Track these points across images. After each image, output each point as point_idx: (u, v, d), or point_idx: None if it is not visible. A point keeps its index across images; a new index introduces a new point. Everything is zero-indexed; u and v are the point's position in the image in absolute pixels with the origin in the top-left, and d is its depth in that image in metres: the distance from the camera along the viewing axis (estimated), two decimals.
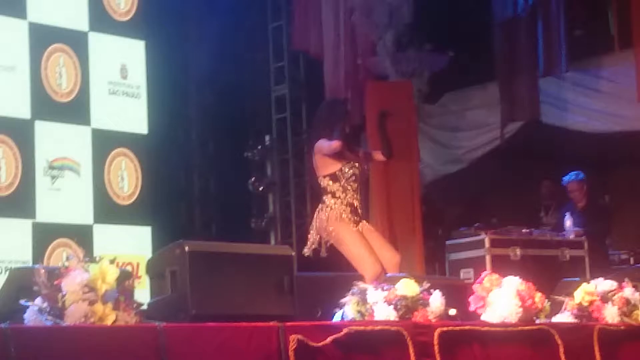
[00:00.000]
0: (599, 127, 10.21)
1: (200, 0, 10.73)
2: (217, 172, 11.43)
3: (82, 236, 8.22)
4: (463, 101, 11.32)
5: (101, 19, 8.87)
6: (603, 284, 5.51)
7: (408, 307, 4.61)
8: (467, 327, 4.66)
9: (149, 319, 3.88)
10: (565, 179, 9.59)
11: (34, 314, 3.62)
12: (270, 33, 11.81)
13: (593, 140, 10.29)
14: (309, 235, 6.97)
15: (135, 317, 3.74)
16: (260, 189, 11.63)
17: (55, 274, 3.70)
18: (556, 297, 5.47)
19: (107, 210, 8.57)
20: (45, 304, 3.62)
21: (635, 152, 9.75)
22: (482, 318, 4.95)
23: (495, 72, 10.56)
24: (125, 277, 3.79)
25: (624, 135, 9.90)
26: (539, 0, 10.06)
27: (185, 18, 10.69)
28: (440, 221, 10.78)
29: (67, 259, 3.80)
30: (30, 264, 7.83)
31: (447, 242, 8.75)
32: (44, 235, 8.21)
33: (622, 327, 5.32)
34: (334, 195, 6.69)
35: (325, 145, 6.65)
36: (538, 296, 5.09)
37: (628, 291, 5.52)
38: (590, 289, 5.46)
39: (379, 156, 7.03)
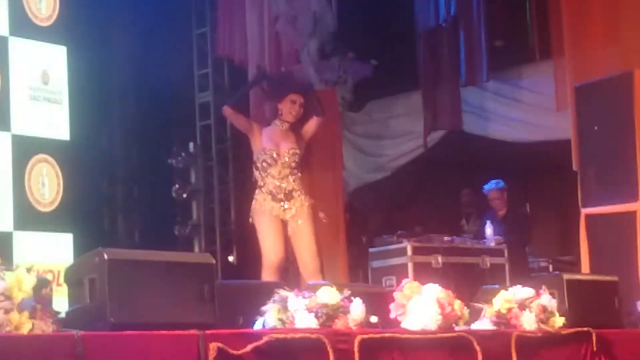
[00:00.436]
0: (520, 136, 10.36)
1: (124, 6, 10.65)
2: (140, 179, 11.36)
3: (1, 243, 8.10)
4: (387, 109, 11.41)
5: (22, 24, 8.75)
6: (521, 292, 5.59)
7: (329, 314, 4.63)
8: (387, 335, 4.69)
9: (67, 328, 3.84)
10: (486, 187, 9.72)
11: None
12: (195, 40, 11.78)
13: (514, 149, 10.44)
14: None
15: (53, 326, 3.70)
16: (184, 196, 11.58)
17: None
18: (475, 304, 5.53)
19: (28, 217, 8.45)
20: None
21: (554, 161, 9.90)
22: (402, 325, 4.99)
23: (418, 81, 10.66)
24: (43, 285, 3.75)
25: (544, 145, 10.06)
26: (460, 11, 10.18)
27: (108, 23, 10.61)
28: (364, 229, 10.85)
29: None
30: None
31: (370, 250, 8.80)
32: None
33: (539, 334, 5.39)
34: (258, 186, 6.77)
35: None
36: (457, 303, 5.14)
37: (545, 298, 5.60)
38: (508, 297, 5.53)
39: (313, 121, 7.00)
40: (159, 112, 11.39)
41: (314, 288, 4.86)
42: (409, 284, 5.11)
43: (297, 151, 6.84)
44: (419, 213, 11.41)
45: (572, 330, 5.54)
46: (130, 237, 11.29)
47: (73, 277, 4.27)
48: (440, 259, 8.49)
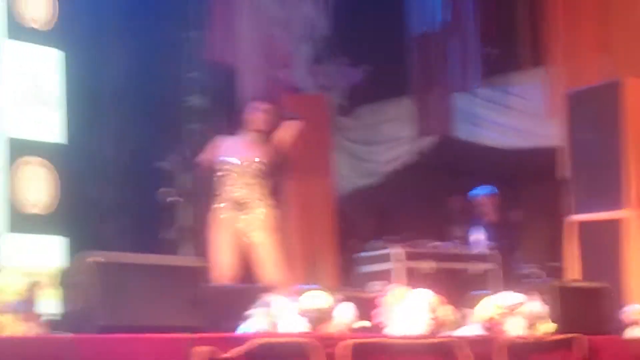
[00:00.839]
0: (510, 142, 10.38)
1: (118, 10, 10.64)
2: (131, 183, 11.33)
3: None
4: (378, 114, 11.42)
5: (17, 27, 8.74)
6: (511, 297, 5.61)
7: (319, 318, 4.65)
8: (376, 339, 4.71)
9: (59, 330, 3.85)
10: (476, 193, 9.74)
11: None
12: (185, 43, 11.76)
13: (504, 156, 10.46)
14: None
15: (40, 328, 3.71)
16: (172, 199, 11.55)
17: None
18: (465, 309, 5.55)
19: (19, 220, 8.44)
20: None
21: (544, 168, 9.93)
22: (389, 330, 5.00)
23: (409, 86, 10.68)
24: (32, 288, 3.76)
25: (534, 151, 10.09)
26: (452, 17, 10.21)
27: (102, 27, 10.59)
28: (355, 234, 10.85)
29: None
30: None
31: (357, 255, 8.81)
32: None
33: (530, 340, 5.42)
34: (215, 195, 6.77)
35: None
36: (447, 308, 5.16)
37: (536, 304, 5.63)
38: (498, 302, 5.56)
39: (286, 129, 6.93)
40: (149, 115, 11.37)
41: (304, 292, 4.87)
42: (396, 289, 5.14)
43: (261, 160, 6.78)
44: (409, 218, 11.41)
45: (563, 336, 5.57)
46: (121, 240, 11.26)
47: (64, 280, 4.28)
48: (428, 264, 8.50)
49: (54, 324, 3.89)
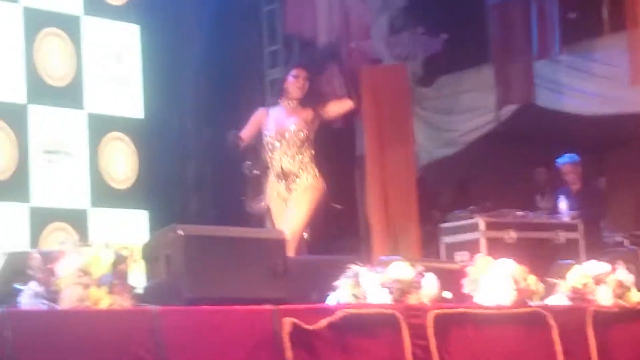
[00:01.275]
0: (593, 109, 10.22)
1: None
2: (212, 156, 11.41)
3: (77, 220, 8.26)
4: (457, 84, 11.32)
5: (95, 3, 8.87)
6: (597, 266, 5.53)
7: (402, 290, 4.63)
8: (460, 310, 4.68)
9: (144, 303, 3.90)
10: (560, 161, 9.61)
11: (28, 297, 3.64)
12: (264, 16, 11.79)
13: (587, 123, 10.30)
14: None
15: (130, 301, 3.76)
16: (256, 172, 11.61)
17: (50, 258, 3.72)
18: (550, 279, 5.49)
19: (103, 194, 8.59)
20: (40, 288, 3.64)
21: (629, 135, 9.78)
22: (475, 300, 4.97)
23: (489, 55, 10.56)
24: (120, 261, 3.81)
25: (618, 118, 9.92)
26: None
27: (179, 2, 10.66)
28: (436, 204, 10.81)
29: (62, 243, 3.82)
30: (27, 249, 7.86)
31: (442, 225, 8.76)
32: (40, 220, 8.23)
33: (615, 309, 5.34)
34: (268, 169, 6.74)
35: None
36: (532, 278, 5.11)
37: (621, 273, 5.55)
38: (584, 272, 5.49)
39: (340, 103, 6.84)
40: (230, 89, 11.43)
41: (386, 263, 4.86)
42: (482, 259, 5.10)
43: (303, 130, 6.66)
44: (490, 188, 11.32)
45: None
46: (203, 214, 11.37)
47: (149, 254, 4.33)
48: (513, 234, 8.42)
49: (140, 297, 3.93)
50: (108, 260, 3.74)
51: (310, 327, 4.07)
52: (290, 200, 6.60)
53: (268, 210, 6.87)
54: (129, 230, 8.60)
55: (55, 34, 8.53)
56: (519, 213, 8.73)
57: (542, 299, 5.20)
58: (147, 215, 8.77)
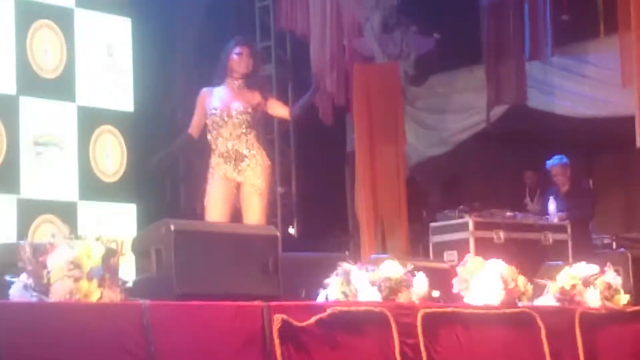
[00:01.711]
0: (585, 112, 10.24)
1: None
2: (201, 150, 11.40)
3: (66, 213, 8.21)
4: (449, 84, 11.33)
5: None
6: (585, 268, 5.55)
7: (392, 288, 4.64)
8: (450, 309, 4.70)
9: (134, 297, 3.89)
10: (549, 162, 9.63)
11: (19, 290, 3.63)
12: (257, 12, 11.79)
13: (578, 125, 10.33)
14: None
15: (121, 295, 3.76)
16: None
17: (40, 251, 3.71)
18: (539, 280, 5.50)
19: (92, 187, 8.55)
20: (30, 280, 3.63)
21: (619, 137, 9.79)
22: (465, 300, 4.99)
23: (481, 55, 10.57)
24: (111, 255, 3.80)
25: (609, 120, 9.94)
26: None
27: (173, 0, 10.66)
28: (425, 203, 10.81)
29: (53, 235, 3.81)
30: (15, 240, 7.82)
31: (431, 225, 8.77)
32: (28, 212, 8.19)
33: (603, 311, 5.36)
34: (211, 150, 6.41)
35: None
36: (521, 279, 5.13)
37: (610, 275, 5.56)
38: (572, 273, 5.50)
39: (284, 110, 6.66)
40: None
41: (376, 262, 4.87)
42: (472, 259, 5.11)
43: (249, 110, 6.36)
44: (480, 189, 11.35)
45: (638, 307, 5.50)
46: (192, 209, 11.37)
47: (140, 248, 4.33)
48: (502, 234, 8.43)
49: (131, 291, 3.93)
50: (98, 254, 3.74)
51: (299, 324, 4.08)
52: (246, 189, 6.29)
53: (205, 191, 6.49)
54: (117, 224, 8.57)
55: (47, 26, 8.48)
56: (508, 214, 8.75)
57: (530, 299, 5.22)
58: (136, 209, 8.74)
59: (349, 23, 10.79)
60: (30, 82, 8.30)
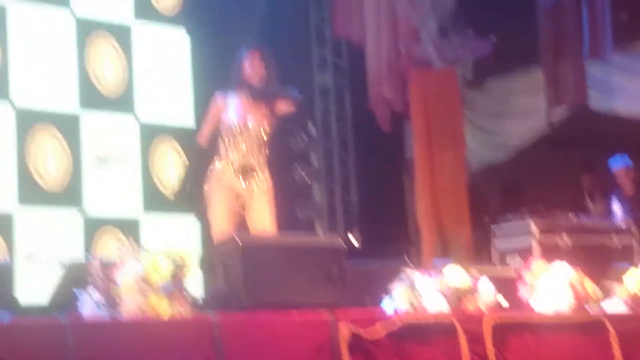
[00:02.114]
0: None
1: None
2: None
3: (130, 227, 8.30)
4: (507, 86, 11.23)
5: (146, 11, 8.94)
6: None
7: (457, 296, 4.62)
8: (518, 316, 4.66)
9: (203, 311, 3.93)
10: (613, 165, 9.52)
11: (89, 306, 3.68)
12: (313, 22, 11.81)
13: None
14: None
15: (189, 309, 3.79)
16: (305, 177, 11.66)
17: (109, 267, 3.75)
18: (605, 284, 5.43)
19: (155, 201, 8.64)
20: (100, 296, 3.68)
21: None
22: (531, 305, 4.94)
23: (539, 56, 10.48)
24: (179, 269, 3.84)
25: None
26: None
27: (228, 8, 10.70)
28: (486, 208, 10.74)
29: (119, 250, 3.85)
30: (81, 256, 7.92)
31: (494, 229, 8.69)
32: (93, 226, 8.29)
33: None
34: (219, 155, 6.20)
35: None
36: (588, 283, 5.07)
37: None
38: None
39: (283, 106, 6.45)
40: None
41: (440, 267, 4.85)
42: (537, 263, 5.06)
43: (265, 125, 6.24)
44: (541, 192, 11.22)
45: None
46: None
47: (207, 262, 4.36)
48: (566, 238, 8.33)
49: (199, 305, 3.96)
50: (167, 269, 3.77)
51: (369, 337, 4.08)
52: (256, 202, 6.12)
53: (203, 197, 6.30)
54: (180, 236, 8.64)
55: (107, 42, 8.60)
56: (572, 217, 8.65)
57: (598, 304, 5.16)
58: (197, 222, 8.80)
59: (405, 29, 10.76)
60: (92, 98, 8.42)
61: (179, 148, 8.89)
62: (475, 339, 4.38)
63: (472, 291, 4.69)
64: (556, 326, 4.74)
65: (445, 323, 4.34)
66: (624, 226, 8.72)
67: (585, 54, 10.11)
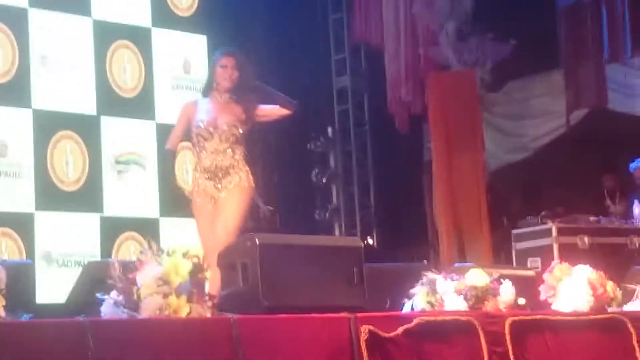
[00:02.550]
0: None
1: None
2: (280, 164, 11.46)
3: (149, 229, 8.31)
4: (527, 89, 11.21)
5: (164, 15, 8.97)
6: None
7: (478, 297, 4.61)
8: (538, 316, 4.64)
9: (221, 311, 3.92)
10: (632, 165, 9.48)
11: (110, 306, 3.68)
12: (331, 25, 11.82)
13: None
14: None
15: (209, 309, 3.79)
16: (324, 180, 11.66)
17: (129, 268, 3.76)
18: (628, 285, 5.40)
19: (174, 203, 8.64)
20: (120, 297, 3.68)
21: None
22: (553, 307, 4.92)
23: (559, 58, 10.46)
24: (198, 270, 3.84)
25: None
26: None
27: (246, 12, 10.72)
28: (505, 210, 10.71)
29: (141, 252, 3.86)
30: (99, 258, 7.95)
31: (514, 231, 8.67)
32: (112, 229, 8.32)
33: None
34: (195, 164, 6.05)
35: None
36: (609, 285, 5.04)
37: None
38: None
39: (275, 110, 6.20)
40: (297, 97, 11.43)
41: (461, 270, 4.84)
42: (558, 266, 5.04)
43: (236, 125, 5.97)
44: (561, 194, 11.18)
45: None
46: (271, 221, 11.41)
47: (225, 261, 4.36)
48: (586, 239, 8.30)
49: (218, 305, 3.96)
50: (186, 269, 3.77)
51: (387, 335, 4.06)
52: (222, 201, 5.90)
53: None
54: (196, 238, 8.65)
55: (125, 46, 8.63)
56: (592, 218, 8.62)
57: (620, 305, 5.13)
58: None
59: (424, 32, 10.77)
60: (110, 101, 8.45)
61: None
62: (496, 339, 4.36)
63: (493, 292, 4.67)
64: (577, 326, 4.71)
65: (465, 322, 4.32)
66: None
67: (606, 58, 10.08)
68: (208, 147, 5.93)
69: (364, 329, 3.99)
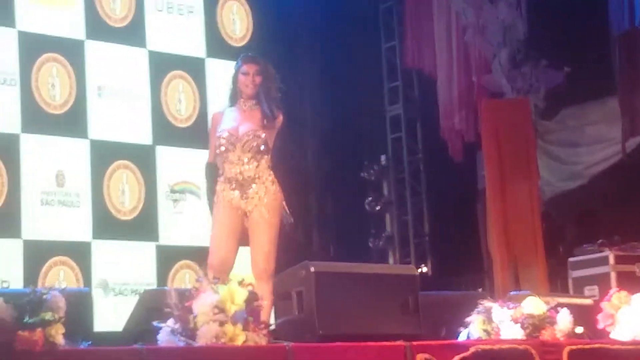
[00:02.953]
0: None
1: (313, 23, 10.81)
2: (333, 192, 11.48)
3: (204, 258, 8.33)
4: (581, 116, 11.12)
5: (217, 45, 9.06)
6: None
7: (535, 325, 4.57)
8: (596, 345, 4.59)
9: (277, 339, 3.93)
10: None
11: (167, 334, 3.71)
12: (384, 53, 11.85)
13: None
14: None
15: (265, 337, 3.80)
16: (377, 208, 11.65)
17: (185, 296, 3.79)
18: None
19: None
20: (177, 325, 3.71)
21: None
22: (611, 336, 4.87)
23: (614, 85, 10.37)
24: (253, 298, 3.86)
25: None
26: None
27: (298, 41, 10.79)
28: (561, 238, 10.62)
29: (197, 280, 3.88)
30: (155, 286, 8.01)
31: (570, 259, 8.61)
32: (167, 258, 8.38)
33: None
34: (218, 175, 5.88)
35: None
36: None
37: None
38: None
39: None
40: (351, 126, 11.50)
41: (517, 299, 4.81)
42: (617, 294, 4.99)
43: (260, 134, 5.83)
44: (617, 221, 11.05)
45: None
46: (325, 249, 11.42)
47: (280, 290, 4.37)
48: None
49: (273, 333, 3.97)
50: (242, 297, 3.79)
51: None
52: (254, 223, 5.68)
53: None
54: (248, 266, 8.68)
55: (180, 77, 8.72)
56: None
57: None
58: None
59: (477, 59, 10.75)
60: (165, 131, 8.54)
61: None
62: None
63: (550, 321, 4.64)
64: (637, 355, 4.66)
65: (522, 351, 4.29)
66: None
67: None
68: (231, 157, 5.80)
69: (420, 357, 3.98)
